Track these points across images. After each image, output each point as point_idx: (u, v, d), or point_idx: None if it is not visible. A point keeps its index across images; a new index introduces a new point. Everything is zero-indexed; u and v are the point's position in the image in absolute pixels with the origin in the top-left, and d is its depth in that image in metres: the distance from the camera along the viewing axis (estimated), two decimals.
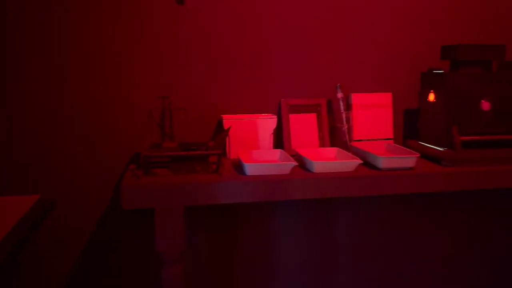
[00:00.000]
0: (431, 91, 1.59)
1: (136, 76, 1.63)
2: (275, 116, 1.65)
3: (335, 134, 1.76)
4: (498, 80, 1.53)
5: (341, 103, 1.70)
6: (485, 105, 1.52)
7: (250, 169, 1.36)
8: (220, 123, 1.67)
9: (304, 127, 1.72)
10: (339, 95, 1.70)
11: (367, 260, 1.87)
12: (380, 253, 1.88)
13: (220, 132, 1.57)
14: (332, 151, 1.60)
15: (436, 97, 1.57)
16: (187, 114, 1.64)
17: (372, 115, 1.75)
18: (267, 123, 1.63)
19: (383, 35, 1.78)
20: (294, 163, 1.38)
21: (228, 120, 1.60)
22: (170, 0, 1.61)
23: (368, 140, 1.74)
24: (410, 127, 1.83)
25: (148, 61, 1.63)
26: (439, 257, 1.93)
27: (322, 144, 1.72)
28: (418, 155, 1.44)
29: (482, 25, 1.83)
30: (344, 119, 1.70)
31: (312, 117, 1.73)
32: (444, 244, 1.93)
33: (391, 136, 1.76)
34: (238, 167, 1.46)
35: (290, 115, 1.71)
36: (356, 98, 1.74)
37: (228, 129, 1.46)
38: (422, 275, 1.93)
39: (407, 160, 1.44)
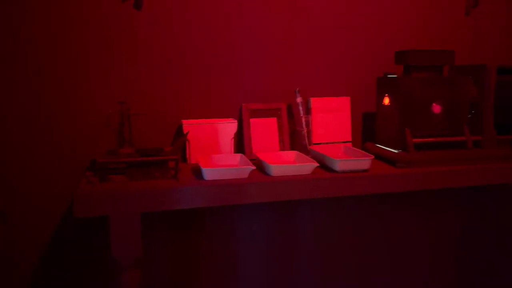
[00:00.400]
0: (386, 95, 1.64)
1: (93, 81, 1.61)
2: (236, 121, 1.67)
3: (295, 138, 1.79)
4: (448, 84, 1.60)
5: (301, 108, 1.73)
6: (436, 108, 1.58)
7: (208, 173, 1.37)
8: (180, 128, 1.67)
9: (265, 131, 1.74)
10: (298, 99, 1.73)
11: (331, 261, 1.91)
12: (343, 254, 1.92)
13: (180, 137, 1.57)
14: (292, 154, 1.62)
15: (390, 101, 1.62)
16: (147, 120, 1.64)
17: (331, 119, 1.79)
18: (227, 128, 1.65)
19: (341, 42, 1.82)
20: (252, 167, 1.40)
21: (187, 125, 1.60)
22: (128, 5, 1.60)
23: (327, 143, 1.77)
24: (368, 129, 1.88)
25: (106, 66, 1.62)
26: (399, 257, 1.99)
27: (283, 148, 1.74)
28: (372, 157, 1.49)
29: (434, 30, 1.90)
30: (304, 123, 1.74)
31: (272, 121, 1.76)
32: (404, 244, 1.99)
33: (350, 139, 1.80)
34: (198, 172, 1.47)
35: (251, 120, 1.73)
36: (315, 102, 1.78)
37: (186, 134, 1.46)
38: (384, 276, 1.98)
39: (362, 162, 1.48)
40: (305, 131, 1.74)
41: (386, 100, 1.64)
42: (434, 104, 1.58)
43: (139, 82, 1.65)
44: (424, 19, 1.89)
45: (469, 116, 1.63)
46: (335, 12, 1.80)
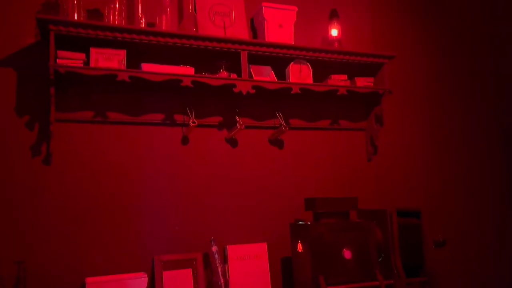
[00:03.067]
0: (298, 241, 1.66)
1: None
2: (146, 275, 1.58)
3: None
4: (355, 229, 1.66)
5: (216, 256, 1.69)
6: (347, 254, 1.61)
7: None
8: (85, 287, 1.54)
9: (179, 284, 1.65)
10: (214, 248, 1.70)
11: None
12: None
13: None
14: None
15: (302, 247, 1.63)
16: (46, 280, 1.50)
17: (248, 266, 1.76)
18: (136, 284, 1.55)
19: (255, 189, 1.88)
20: None
21: (91, 283, 1.49)
22: (37, 161, 1.59)
23: None
24: (288, 275, 1.84)
25: (3, 223, 1.52)
26: None
27: None
28: None
29: (341, 176, 2.04)
30: (220, 273, 1.68)
31: (187, 272, 1.68)
32: None
33: (269, 287, 1.75)
34: None
35: (164, 272, 1.64)
36: (232, 250, 1.75)
37: None
38: None
39: None
40: (222, 281, 1.67)
41: (299, 247, 1.66)
42: (344, 250, 1.61)
43: (38, 238, 1.54)
44: (331, 167, 2.03)
45: (380, 259, 1.67)
46: (247, 161, 1.90)
